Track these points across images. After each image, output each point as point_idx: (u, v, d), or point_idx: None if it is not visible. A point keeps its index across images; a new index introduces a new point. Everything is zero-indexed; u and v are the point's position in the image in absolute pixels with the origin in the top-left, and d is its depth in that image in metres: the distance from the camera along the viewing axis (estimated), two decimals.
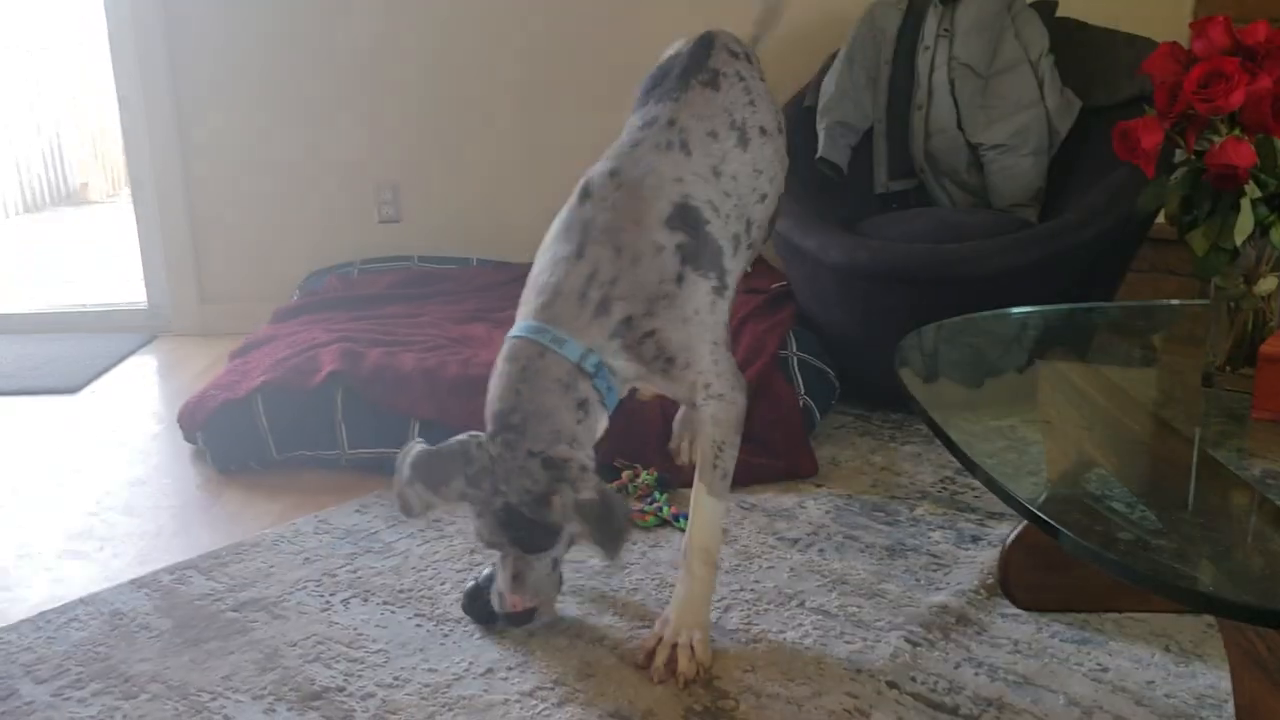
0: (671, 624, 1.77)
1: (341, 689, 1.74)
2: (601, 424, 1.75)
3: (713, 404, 1.77)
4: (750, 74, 2.00)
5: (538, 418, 1.67)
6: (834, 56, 3.13)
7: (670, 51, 2.08)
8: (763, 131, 1.94)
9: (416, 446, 1.75)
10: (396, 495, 1.73)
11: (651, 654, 1.75)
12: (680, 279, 1.71)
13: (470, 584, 1.92)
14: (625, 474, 2.38)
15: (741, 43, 2.08)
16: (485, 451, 1.68)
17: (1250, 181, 1.55)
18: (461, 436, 1.73)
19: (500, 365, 1.73)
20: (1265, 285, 1.63)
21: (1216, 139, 1.57)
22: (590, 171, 1.81)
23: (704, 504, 1.79)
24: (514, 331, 1.74)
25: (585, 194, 1.77)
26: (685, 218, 1.74)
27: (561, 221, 1.78)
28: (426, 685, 1.74)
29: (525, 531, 1.69)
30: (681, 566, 1.81)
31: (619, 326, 1.70)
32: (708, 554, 1.79)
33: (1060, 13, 3.03)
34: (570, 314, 1.69)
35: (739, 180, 1.87)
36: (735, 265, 1.85)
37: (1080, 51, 2.94)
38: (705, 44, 2.00)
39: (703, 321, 1.73)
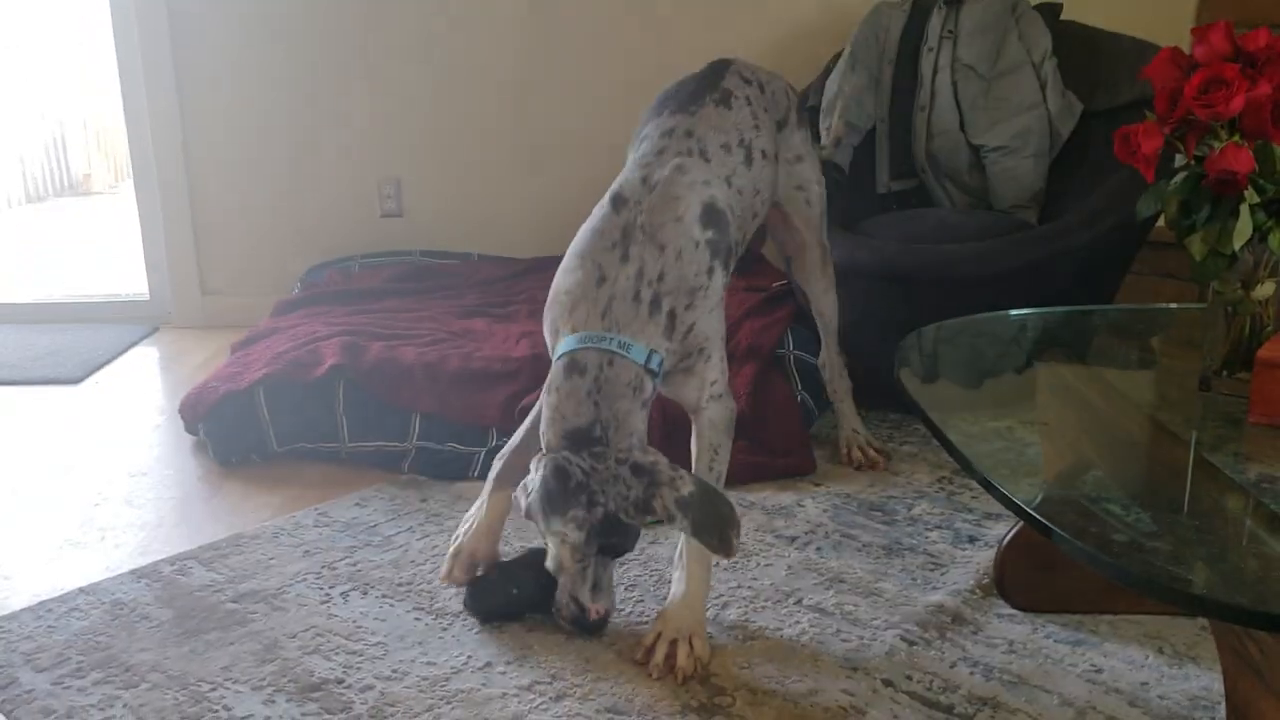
0: (670, 621, 1.79)
1: (340, 681, 1.75)
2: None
3: (713, 406, 1.85)
4: (758, 101, 2.09)
5: (618, 425, 1.72)
6: (838, 57, 3.14)
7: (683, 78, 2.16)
8: (763, 155, 2.05)
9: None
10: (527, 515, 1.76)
11: (650, 650, 1.77)
12: (710, 272, 1.82)
13: (471, 581, 1.93)
14: None
15: (755, 71, 2.17)
16: (578, 468, 1.70)
17: (1249, 187, 1.56)
18: (549, 460, 1.72)
19: (563, 379, 1.74)
20: (1263, 290, 1.64)
21: (1216, 145, 1.58)
22: (618, 181, 1.88)
23: None
24: (571, 345, 1.75)
25: (619, 200, 1.84)
26: (713, 216, 1.85)
27: (593, 231, 1.82)
28: (425, 678, 1.75)
29: (619, 538, 1.74)
30: (678, 566, 1.83)
31: (668, 322, 1.78)
32: (704, 554, 1.81)
33: (1064, 15, 3.04)
34: (628, 317, 1.75)
35: (743, 195, 1.98)
36: (728, 271, 1.92)
37: (1083, 54, 2.95)
38: (720, 67, 2.12)
39: (719, 311, 1.85)
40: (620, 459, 1.70)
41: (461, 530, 1.98)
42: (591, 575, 1.76)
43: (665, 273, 1.77)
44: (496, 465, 2.00)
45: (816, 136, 3.01)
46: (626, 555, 1.84)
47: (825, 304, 2.44)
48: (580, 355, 1.73)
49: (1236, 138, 1.57)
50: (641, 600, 1.95)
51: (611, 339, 1.73)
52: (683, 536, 1.82)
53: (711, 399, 1.85)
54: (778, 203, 2.25)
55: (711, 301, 1.83)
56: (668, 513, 1.67)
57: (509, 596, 1.89)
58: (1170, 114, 1.60)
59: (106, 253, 5.37)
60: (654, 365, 1.75)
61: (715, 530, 1.67)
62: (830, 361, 2.51)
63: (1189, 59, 1.63)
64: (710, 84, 2.06)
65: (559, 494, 1.70)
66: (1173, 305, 2.36)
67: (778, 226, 2.34)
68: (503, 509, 1.97)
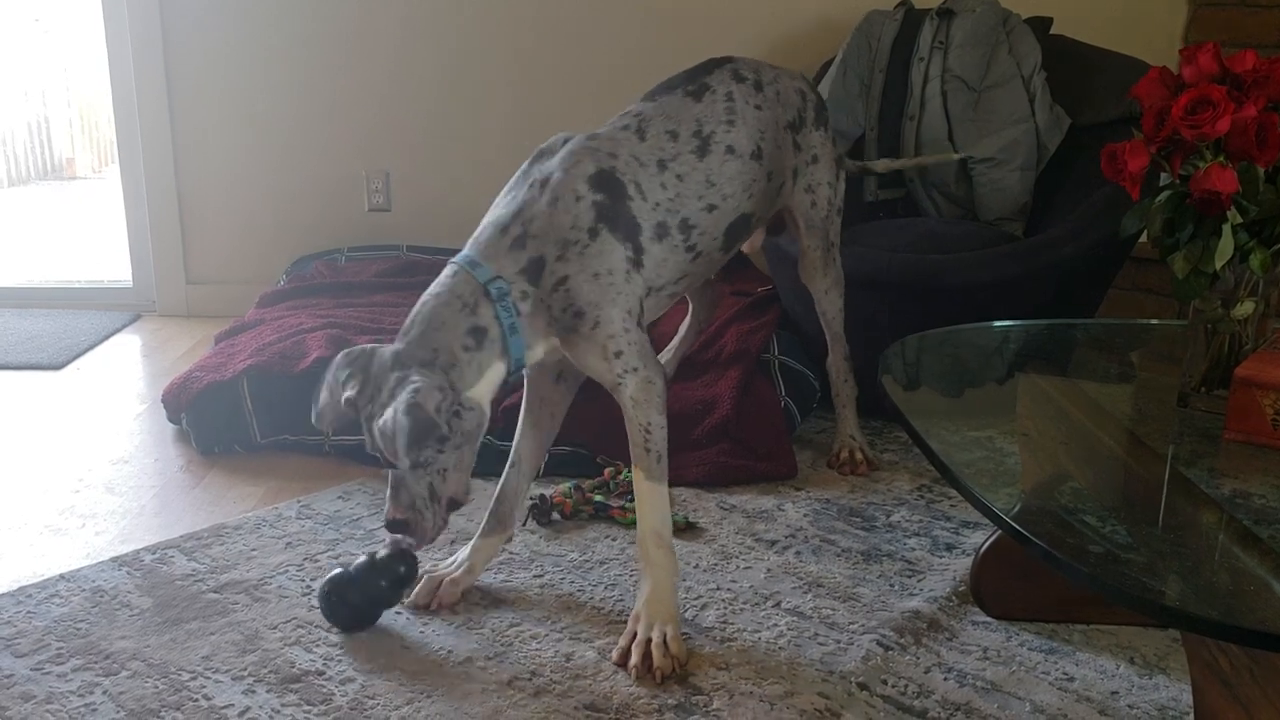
0: (643, 620, 1.79)
1: (321, 673, 1.76)
2: (494, 372, 1.77)
3: (630, 381, 1.82)
4: (746, 99, 2.08)
5: (427, 328, 1.75)
6: (829, 64, 3.16)
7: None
8: (730, 150, 2.02)
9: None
10: (318, 416, 1.80)
11: (627, 653, 1.78)
12: (594, 233, 1.81)
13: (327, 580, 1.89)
14: (607, 471, 2.41)
15: (759, 69, 2.16)
16: (380, 357, 1.75)
17: (1232, 207, 1.59)
18: (366, 345, 1.79)
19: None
20: (1242, 309, 1.67)
21: (1201, 164, 1.60)
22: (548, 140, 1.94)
23: (645, 490, 1.83)
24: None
25: (539, 153, 1.91)
26: (606, 182, 1.85)
27: (515, 176, 1.91)
28: (405, 672, 1.76)
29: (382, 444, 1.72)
30: (640, 559, 1.84)
31: (530, 265, 1.78)
32: (660, 537, 1.82)
33: (1054, 30, 3.07)
34: (490, 244, 1.81)
35: (684, 181, 1.95)
36: (661, 254, 1.90)
37: (1072, 70, 2.98)
38: (713, 63, 2.12)
39: (614, 284, 1.81)
40: (405, 364, 1.71)
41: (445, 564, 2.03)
42: (391, 478, 1.76)
43: (537, 215, 1.80)
44: (487, 515, 2.03)
45: None
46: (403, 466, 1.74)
47: (826, 304, 2.43)
48: (446, 268, 1.81)
49: (1221, 158, 1.59)
50: (621, 600, 1.97)
51: (468, 256, 1.80)
52: (638, 530, 1.83)
53: (625, 373, 1.82)
54: (790, 205, 2.27)
55: (594, 266, 1.80)
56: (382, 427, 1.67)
57: (353, 604, 1.86)
58: (1157, 133, 1.62)
59: (89, 238, 5.35)
60: (494, 289, 1.75)
61: (393, 442, 1.66)
62: (836, 366, 2.50)
63: (1177, 79, 1.66)
64: (691, 77, 2.08)
65: (339, 379, 1.76)
66: (1153, 321, 2.39)
67: (786, 223, 2.36)
68: (487, 554, 2.03)
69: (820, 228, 2.33)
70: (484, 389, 1.78)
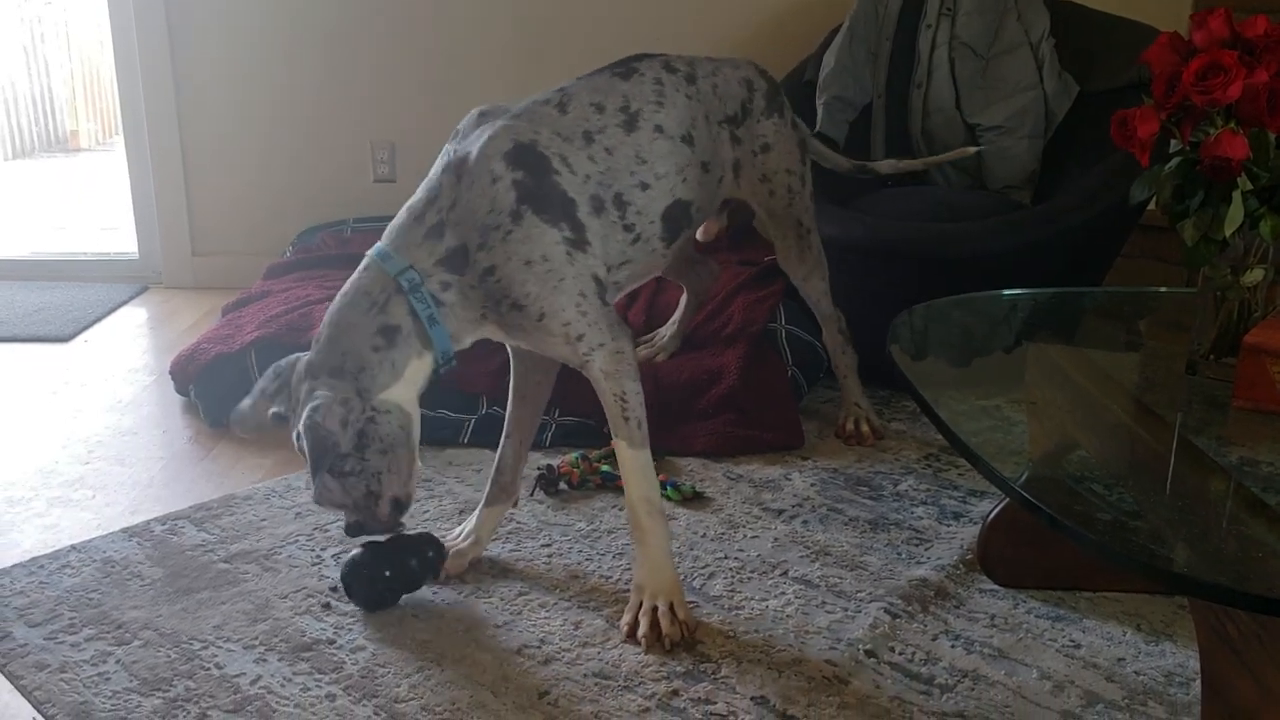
0: (646, 590, 1.80)
1: (332, 641, 1.77)
2: (415, 368, 1.73)
3: (597, 356, 1.77)
4: (676, 87, 1.99)
5: (335, 333, 1.71)
6: (836, 31, 3.14)
7: None
8: (659, 130, 1.92)
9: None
10: (236, 417, 1.78)
11: (634, 625, 1.78)
12: (517, 216, 1.71)
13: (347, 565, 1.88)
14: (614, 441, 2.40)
15: (693, 65, 2.06)
16: (297, 374, 1.73)
17: (1243, 174, 1.58)
18: (293, 356, 1.78)
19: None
20: (1252, 276, 1.66)
21: (1212, 131, 1.59)
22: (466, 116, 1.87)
23: (628, 458, 1.81)
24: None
25: (454, 133, 1.83)
26: (524, 157, 1.74)
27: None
28: (415, 640, 1.77)
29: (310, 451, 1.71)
30: (631, 528, 1.83)
31: (450, 255, 1.71)
32: (649, 504, 1.81)
33: None
34: (403, 232, 1.74)
35: (614, 155, 1.85)
36: (602, 229, 1.81)
37: (1080, 36, 2.95)
38: (642, 55, 2.03)
39: (553, 270, 1.73)
40: (314, 375, 1.69)
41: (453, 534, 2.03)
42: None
43: (456, 202, 1.72)
44: (489, 485, 2.03)
45: (813, 111, 3.03)
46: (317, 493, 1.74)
47: (809, 289, 2.39)
48: (362, 262, 1.76)
49: (1232, 124, 1.58)
50: (629, 569, 1.97)
51: (379, 248, 1.74)
52: (626, 500, 1.82)
53: (591, 351, 1.76)
54: (742, 196, 2.19)
55: (524, 254, 1.71)
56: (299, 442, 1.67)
57: (383, 579, 1.84)
58: (1167, 99, 1.61)
59: (94, 211, 5.34)
60: (404, 280, 1.69)
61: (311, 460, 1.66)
62: (831, 339, 2.47)
63: (1188, 44, 1.64)
64: (619, 62, 2.00)
65: (267, 389, 1.76)
66: (1162, 289, 2.38)
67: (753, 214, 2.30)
68: (492, 524, 2.02)
69: (786, 215, 2.24)
70: (404, 389, 1.72)
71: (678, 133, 1.95)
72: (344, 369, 1.69)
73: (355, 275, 1.75)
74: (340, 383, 1.68)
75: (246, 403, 1.77)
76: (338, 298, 1.75)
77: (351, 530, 1.79)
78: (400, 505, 1.77)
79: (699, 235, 2.43)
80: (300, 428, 1.66)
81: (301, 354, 1.76)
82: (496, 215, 1.71)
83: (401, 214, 1.77)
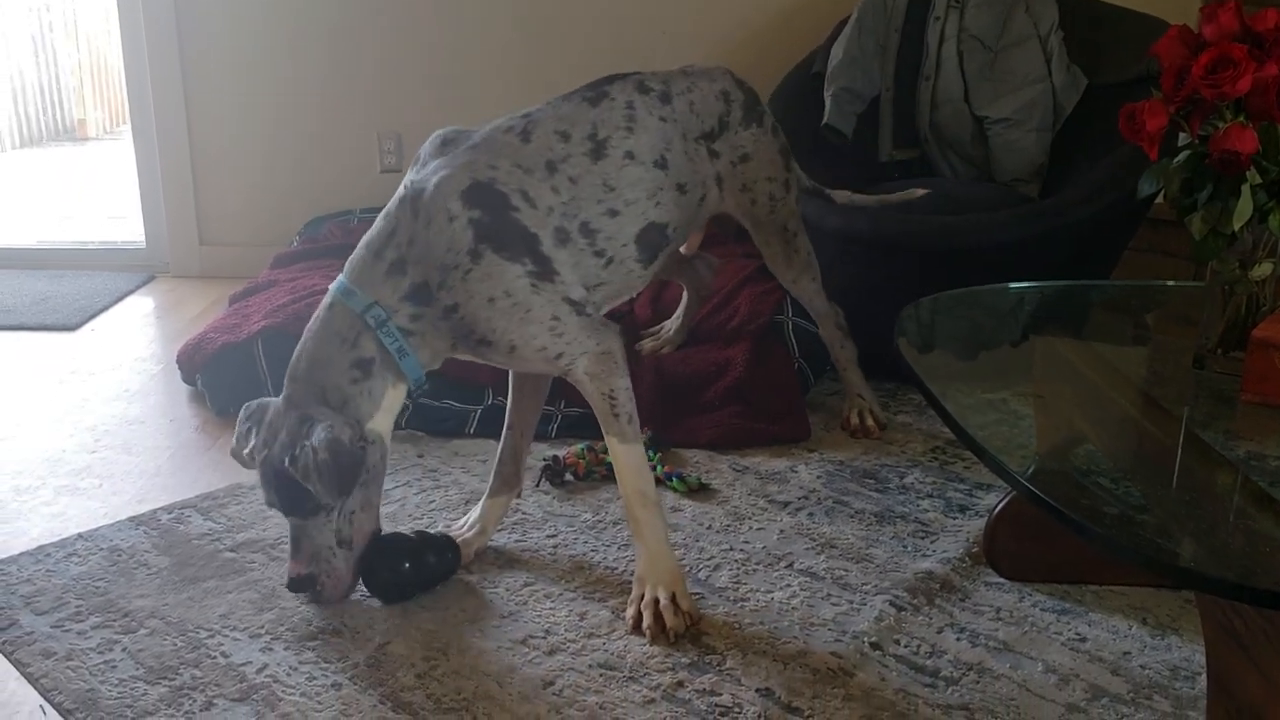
0: (647, 583, 1.80)
1: (338, 631, 1.78)
2: (391, 398, 1.75)
3: (580, 364, 1.78)
4: (649, 110, 1.96)
5: (311, 369, 1.72)
6: (844, 22, 3.13)
7: None
8: (629, 156, 1.90)
9: (256, 402, 1.81)
10: (232, 455, 1.81)
11: (638, 618, 1.78)
12: (476, 255, 1.71)
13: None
14: (606, 438, 2.41)
15: (669, 82, 2.04)
16: (275, 409, 1.74)
17: (1252, 168, 1.57)
18: (262, 400, 1.80)
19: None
20: (1260, 270, 1.65)
21: (1221, 124, 1.58)
22: (429, 139, 1.86)
23: (620, 453, 1.81)
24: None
25: (416, 158, 1.84)
26: (482, 196, 1.74)
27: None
28: (421, 630, 1.78)
29: (285, 493, 1.72)
30: (628, 522, 1.84)
31: (414, 291, 1.73)
32: (644, 497, 1.81)
33: None
34: (364, 269, 1.75)
35: (578, 184, 1.84)
36: (570, 258, 1.80)
37: (1089, 29, 2.94)
38: (614, 77, 2.01)
39: (519, 304, 1.73)
40: (298, 407, 1.70)
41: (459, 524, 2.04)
42: (292, 530, 1.76)
43: (414, 239, 1.72)
44: (492, 478, 2.04)
45: (821, 103, 3.02)
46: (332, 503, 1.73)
47: (800, 290, 2.37)
48: (325, 300, 1.77)
49: (1241, 118, 1.57)
50: (634, 560, 1.97)
51: (342, 284, 1.75)
52: (621, 494, 1.83)
53: (572, 362, 1.77)
54: (727, 210, 2.17)
55: (486, 291, 1.71)
56: (302, 470, 1.66)
57: (401, 571, 1.84)
58: (1176, 92, 1.60)
59: (101, 199, 5.35)
60: (370, 318, 1.71)
61: (320, 485, 1.66)
62: (828, 335, 2.47)
63: (1197, 37, 1.63)
64: (591, 86, 1.97)
65: (242, 433, 1.77)
66: (1169, 282, 2.37)
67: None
68: (497, 514, 2.03)
69: (769, 223, 2.23)
70: (384, 419, 1.76)
71: (650, 158, 1.93)
72: (326, 402, 1.71)
73: (321, 312, 1.76)
74: (331, 411, 1.70)
75: (234, 447, 1.80)
76: (306, 336, 1.76)
77: (296, 585, 1.77)
78: (361, 556, 1.79)
79: (682, 249, 2.44)
80: (316, 445, 1.65)
81: (266, 399, 1.78)
82: (455, 255, 1.71)
83: (360, 248, 1.78)
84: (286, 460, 1.68)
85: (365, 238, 1.79)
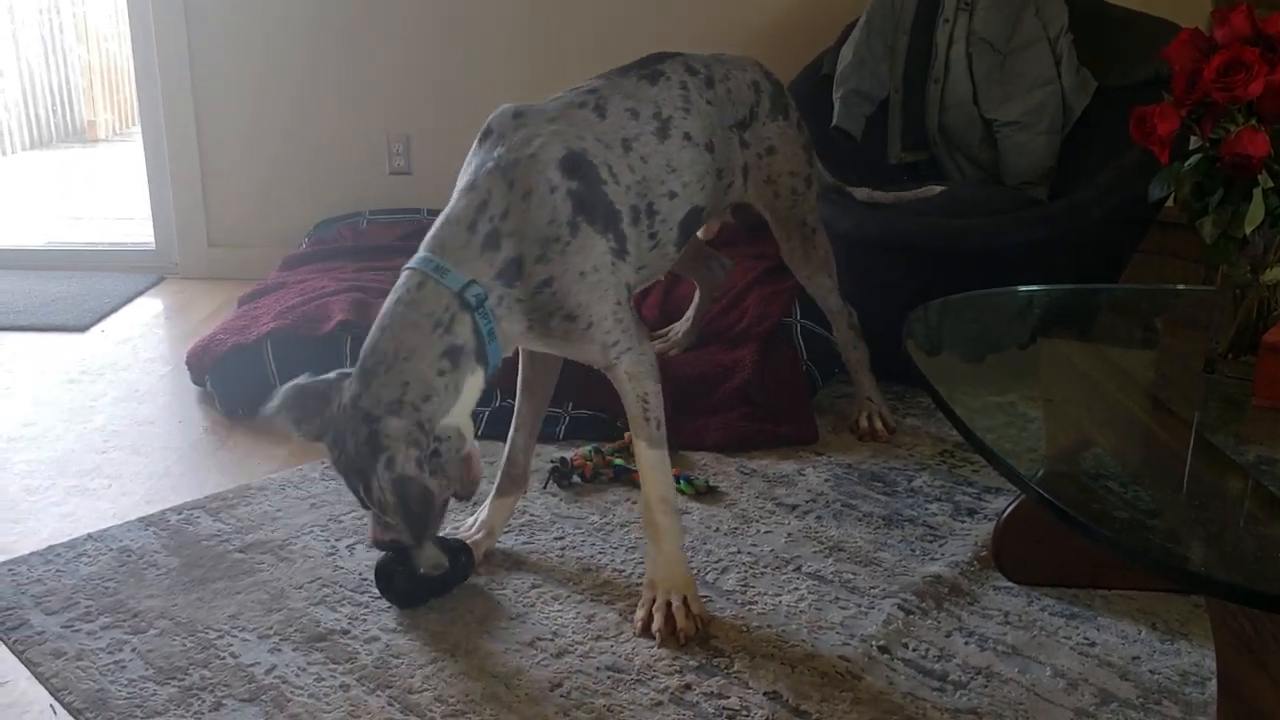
0: (656, 584, 1.80)
1: (346, 632, 1.78)
2: (472, 386, 1.66)
3: (625, 359, 1.77)
4: (699, 90, 1.97)
5: (393, 361, 1.61)
6: (853, 24, 3.12)
7: None
8: (687, 137, 1.91)
9: (297, 380, 1.72)
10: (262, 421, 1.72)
11: (648, 621, 1.78)
12: (574, 228, 1.68)
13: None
14: (628, 434, 2.40)
15: (710, 64, 2.05)
16: (341, 396, 1.63)
17: (1263, 171, 1.57)
18: (332, 375, 1.69)
19: (388, 296, 1.69)
20: (1272, 274, 1.65)
21: (1232, 128, 1.58)
22: (493, 115, 1.79)
23: (647, 458, 1.81)
24: (408, 263, 1.69)
25: (486, 133, 1.77)
26: (578, 166, 1.71)
27: (465, 164, 1.77)
28: (429, 631, 1.78)
29: (362, 483, 1.63)
30: (645, 525, 1.84)
31: (508, 266, 1.65)
32: (665, 503, 1.81)
33: None
34: (457, 243, 1.65)
35: (649, 164, 1.83)
36: (636, 239, 1.80)
37: (1098, 31, 2.94)
38: (661, 55, 2.01)
39: (602, 281, 1.71)
40: (370, 413, 1.58)
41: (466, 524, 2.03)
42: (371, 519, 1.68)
43: (510, 210, 1.65)
44: (499, 477, 2.04)
45: (830, 104, 3.01)
46: (425, 547, 1.69)
47: (815, 286, 2.37)
48: (403, 275, 1.67)
49: (1253, 121, 1.57)
50: (642, 562, 1.98)
51: (431, 261, 1.64)
52: (642, 497, 1.83)
53: (620, 355, 1.75)
54: (749, 200, 2.17)
55: (579, 265, 1.67)
56: (380, 493, 1.58)
57: (417, 579, 1.81)
58: (1188, 96, 1.59)
59: (111, 201, 5.36)
60: (471, 296, 1.62)
61: (407, 523, 1.60)
62: (841, 335, 2.47)
63: (1208, 40, 1.63)
64: (644, 64, 1.97)
65: (304, 398, 1.67)
66: (1179, 286, 2.37)
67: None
68: (504, 515, 2.02)
69: (790, 217, 2.24)
70: (462, 408, 1.66)
71: (702, 140, 1.94)
72: (403, 400, 1.60)
73: (405, 291, 1.65)
74: (401, 420, 1.59)
75: (283, 422, 1.70)
76: (387, 320, 1.64)
77: (383, 545, 1.72)
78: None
79: (700, 234, 2.44)
80: (384, 486, 1.58)
81: (324, 381, 1.66)
82: (556, 227, 1.67)
83: (443, 224, 1.68)
84: (361, 490, 1.62)
85: (446, 213, 1.69)
